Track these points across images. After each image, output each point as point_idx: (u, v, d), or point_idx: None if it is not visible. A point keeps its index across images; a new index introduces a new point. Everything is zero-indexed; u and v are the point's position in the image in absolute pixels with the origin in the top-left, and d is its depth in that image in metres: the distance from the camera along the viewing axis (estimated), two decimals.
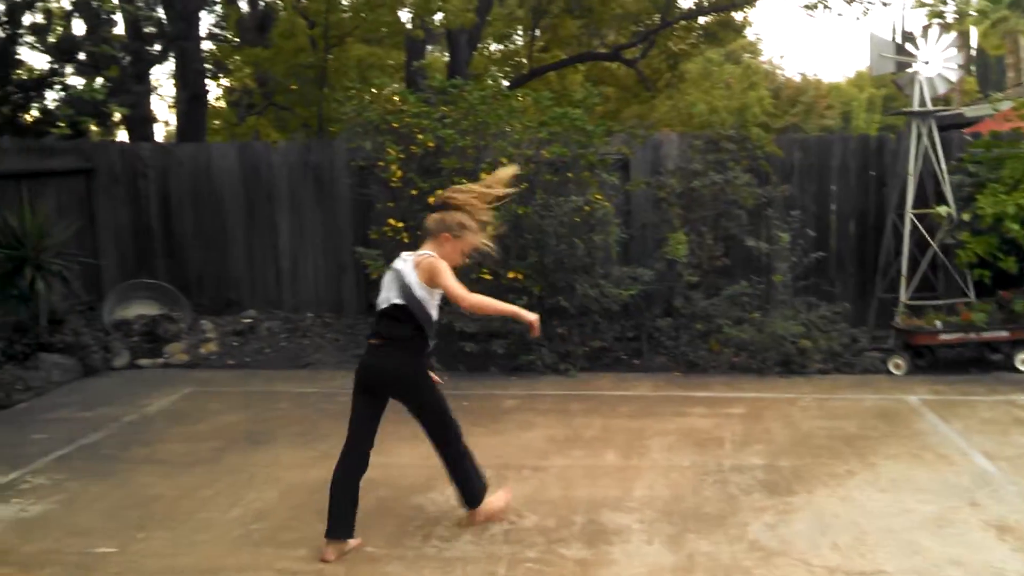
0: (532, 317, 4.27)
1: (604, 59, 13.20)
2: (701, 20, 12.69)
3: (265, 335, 9.14)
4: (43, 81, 10.77)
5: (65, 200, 9.66)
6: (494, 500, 4.52)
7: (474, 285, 7.65)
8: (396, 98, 8.20)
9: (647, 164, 8.92)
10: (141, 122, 11.74)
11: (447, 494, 4.92)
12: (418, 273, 4.22)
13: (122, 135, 13.26)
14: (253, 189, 9.91)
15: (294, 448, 5.80)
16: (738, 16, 12.89)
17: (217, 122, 15.30)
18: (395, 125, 7.98)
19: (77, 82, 10.63)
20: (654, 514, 4.60)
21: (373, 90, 8.26)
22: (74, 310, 8.64)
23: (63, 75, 10.89)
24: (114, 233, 10.07)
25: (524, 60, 14.19)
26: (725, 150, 8.19)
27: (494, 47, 15.22)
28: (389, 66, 12.92)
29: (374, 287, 9.39)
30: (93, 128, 11.18)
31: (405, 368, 4.33)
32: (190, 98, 12.17)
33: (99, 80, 9.30)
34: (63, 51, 10.97)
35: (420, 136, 7.86)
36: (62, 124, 10.09)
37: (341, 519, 4.20)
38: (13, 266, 7.87)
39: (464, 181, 7.67)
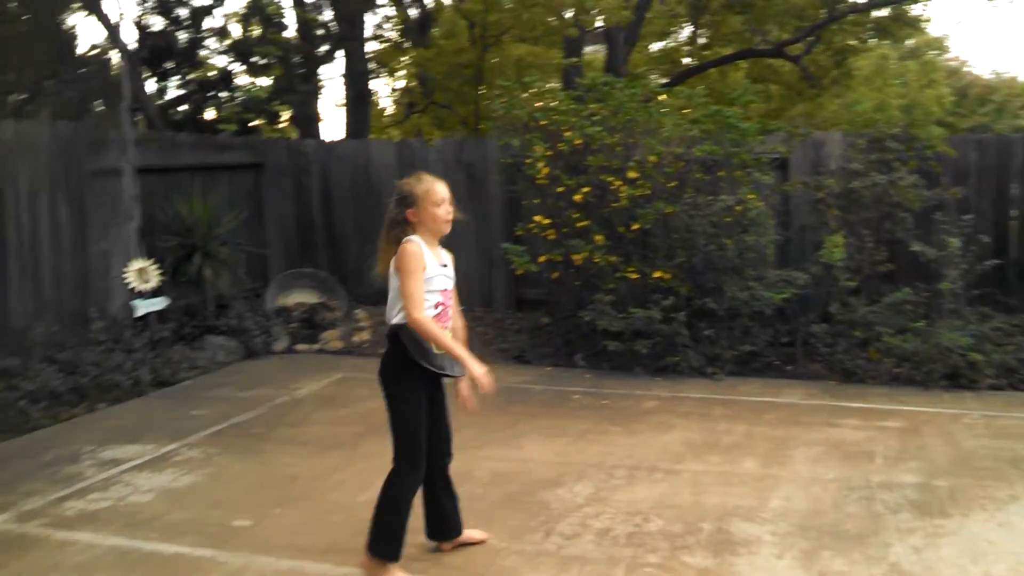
0: (479, 371, 3.72)
1: (766, 56, 12.75)
2: (871, 14, 12.04)
3: None
4: (219, 81, 11.40)
5: (235, 192, 10.19)
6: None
7: (618, 283, 7.60)
8: (546, 96, 8.20)
9: (807, 163, 8.55)
10: (308, 120, 12.25)
11: (574, 491, 4.87)
12: (395, 260, 3.78)
13: (297, 131, 13.86)
14: None
15: None
16: (915, 9, 12.17)
17: (386, 119, 15.78)
18: (543, 123, 7.97)
19: (249, 82, 11.19)
20: (788, 527, 4.37)
21: (524, 88, 8.24)
22: (240, 296, 9.09)
23: (236, 76, 11.49)
24: (279, 224, 10.55)
25: (684, 58, 13.94)
26: (890, 150, 7.73)
27: (655, 45, 15.00)
28: (549, 65, 12.94)
29: (523, 283, 9.51)
30: (263, 125, 11.74)
31: (383, 364, 3.94)
32: (355, 97, 12.60)
33: (264, 81, 9.74)
34: (239, 53, 11.59)
35: (567, 134, 7.82)
36: (232, 122, 10.65)
37: (387, 536, 3.88)
38: (184, 253, 8.36)
39: (611, 179, 7.65)
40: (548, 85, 8.57)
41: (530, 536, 4.30)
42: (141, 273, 7.69)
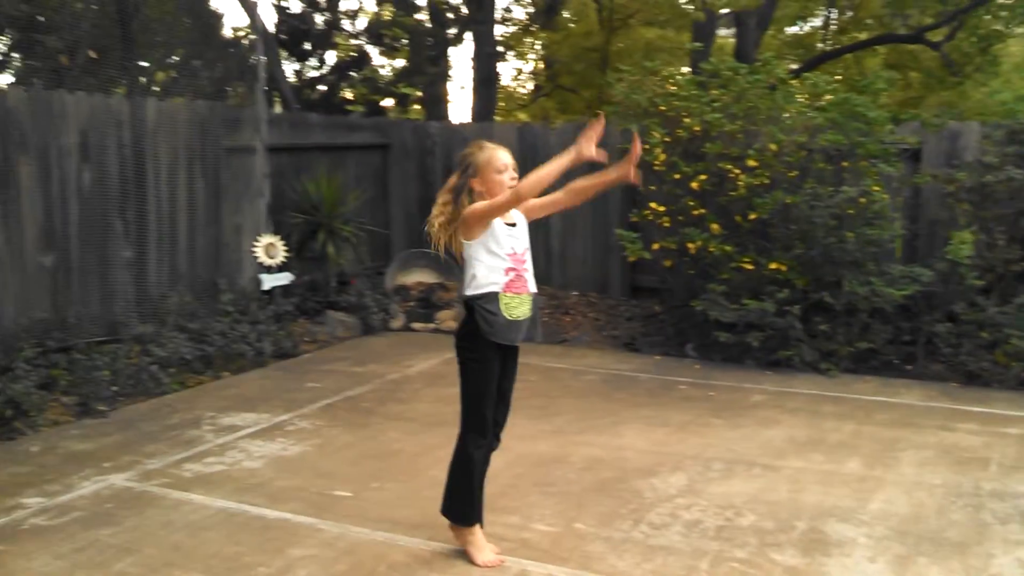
0: (590, 152, 3.65)
1: (905, 41, 12.17)
2: None
3: None
4: (353, 63, 11.73)
5: (362, 172, 10.50)
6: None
7: (733, 273, 7.47)
8: (667, 81, 8.11)
9: (941, 155, 8.16)
10: (435, 102, 12.48)
11: (669, 482, 4.87)
12: (462, 226, 3.77)
13: (425, 113, 14.12)
14: (530, 169, 10.16)
15: (531, 420, 5.95)
16: None
17: (512, 102, 15.88)
18: (662, 108, 7.90)
19: (379, 63, 11.47)
20: (886, 531, 4.25)
21: (644, 73, 8.18)
22: (362, 273, 9.40)
23: (369, 58, 11.80)
24: (403, 204, 10.82)
25: (818, 43, 13.47)
26: None
27: (790, 29, 14.54)
28: (679, 49, 12.74)
29: (639, 270, 9.46)
30: (391, 107, 12.03)
31: (458, 334, 3.89)
32: (482, 79, 12.75)
33: (388, 63, 9.96)
34: (372, 35, 11.90)
35: (687, 120, 7.73)
36: (359, 103, 10.96)
37: (462, 503, 3.97)
38: (310, 230, 8.70)
39: (729, 167, 7.52)
40: (668, 70, 8.41)
41: (619, 523, 4.33)
42: (269, 248, 8.05)
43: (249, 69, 8.80)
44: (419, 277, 9.70)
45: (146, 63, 8.87)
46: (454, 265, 9.60)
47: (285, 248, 8.11)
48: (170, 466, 5.06)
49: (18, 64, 8.56)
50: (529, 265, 3.88)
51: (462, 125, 10.77)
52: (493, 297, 3.72)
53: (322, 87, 12.15)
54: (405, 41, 11.63)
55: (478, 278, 3.74)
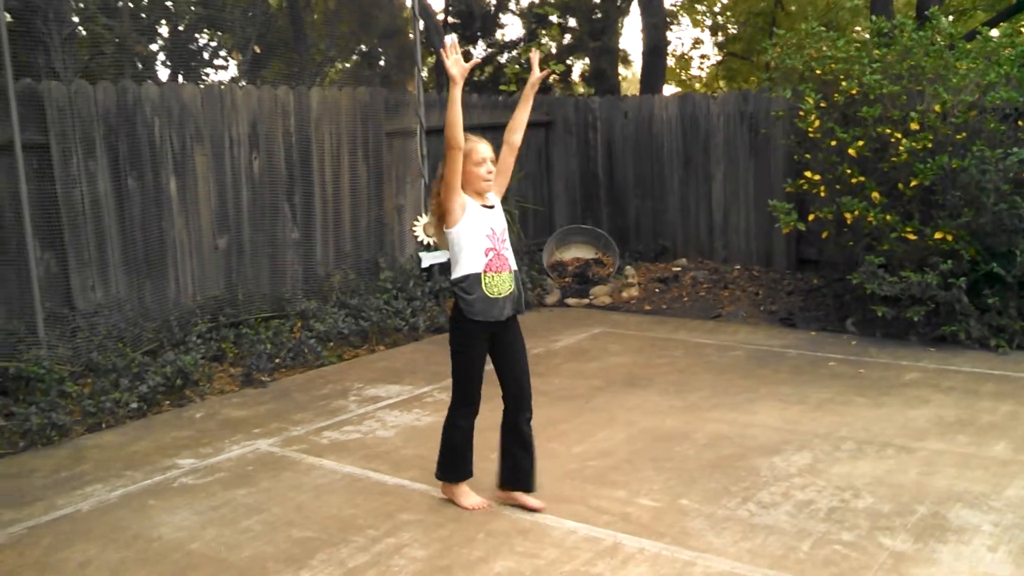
0: (460, 67, 3.90)
1: None
2: None
3: (688, 284, 9.31)
4: (518, 43, 11.90)
5: (524, 150, 10.62)
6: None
7: (895, 244, 7.07)
8: (825, 43, 7.74)
9: None
10: (601, 76, 12.45)
11: (791, 460, 4.73)
12: (445, 220, 4.03)
13: (592, 87, 14.12)
14: (691, 140, 10.05)
15: (663, 395, 5.93)
16: None
17: (680, 71, 15.55)
18: (818, 72, 7.55)
19: (538, 40, 11.55)
20: (1016, 519, 3.96)
21: (801, 36, 7.84)
22: (521, 250, 9.57)
23: (535, 37, 11.91)
24: (565, 180, 10.93)
25: None
26: None
27: None
28: (855, 8, 12.05)
29: (806, 241, 9.10)
30: (556, 83, 12.11)
31: (452, 316, 4.16)
32: (650, 51, 12.59)
33: (550, 40, 10.01)
34: (536, 15, 12.02)
35: (844, 83, 7.35)
36: (512, 83, 11.10)
37: (450, 463, 4.29)
38: None
39: (889, 131, 7.10)
40: (825, 32, 8.00)
41: (726, 501, 4.26)
42: (428, 227, 8.36)
43: (408, 55, 9.14)
44: (576, 253, 9.78)
45: (313, 56, 9.38)
46: (609, 241, 9.64)
47: None
48: (311, 433, 5.42)
49: (200, 61, 9.27)
50: (508, 243, 4.10)
51: (621, 98, 10.70)
52: (476, 278, 3.97)
53: (488, 68, 12.41)
54: (570, 16, 11.65)
55: (461, 262, 4.00)
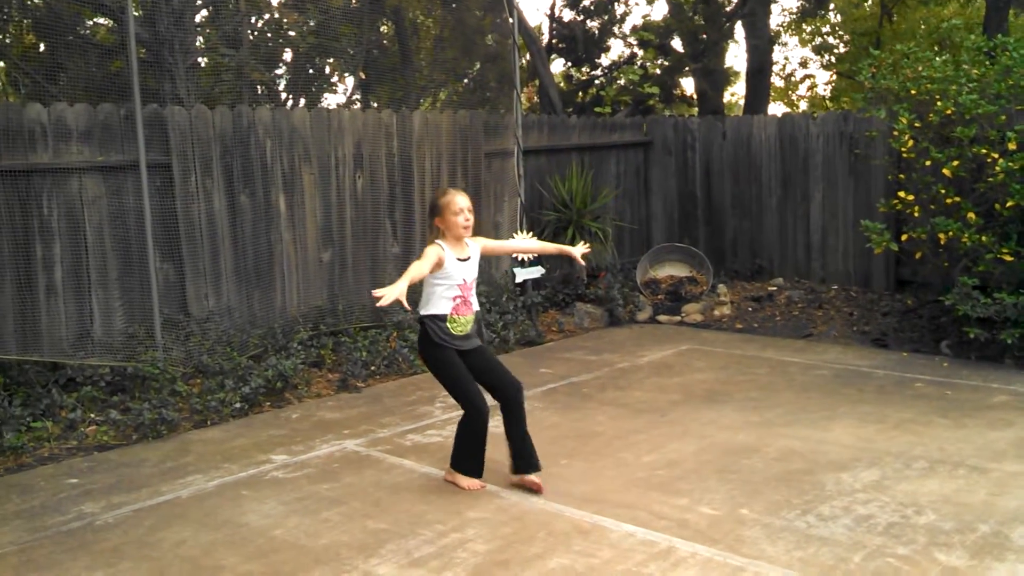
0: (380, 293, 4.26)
1: None
2: None
3: (782, 304, 9.29)
4: (621, 64, 12.09)
5: (622, 170, 10.87)
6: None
7: (991, 265, 6.94)
8: (921, 62, 7.67)
9: None
10: (701, 97, 12.50)
11: (858, 477, 4.77)
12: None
13: (695, 108, 14.17)
14: (789, 160, 10.03)
15: (740, 411, 6.00)
16: None
17: (781, 91, 15.39)
18: (913, 92, 7.49)
19: (639, 63, 11.72)
20: None
21: (897, 56, 7.79)
22: (612, 267, 9.75)
23: (637, 59, 12.09)
24: (663, 199, 11.05)
25: None
26: None
27: None
28: (975, 23, 11.74)
29: (904, 262, 8.96)
30: (655, 104, 12.23)
31: (420, 345, 4.77)
32: (754, 71, 12.59)
33: (653, 62, 10.18)
34: (639, 37, 12.20)
35: (939, 103, 7.28)
36: (606, 105, 11.28)
37: (460, 457, 4.82)
38: (561, 226, 9.19)
39: (985, 151, 6.99)
40: (920, 52, 7.91)
41: (785, 512, 4.34)
42: None
43: (508, 79, 9.46)
44: (670, 271, 9.88)
45: (417, 80, 9.80)
46: (704, 259, 9.71)
47: None
48: (396, 435, 5.73)
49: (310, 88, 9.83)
50: (474, 290, 4.76)
51: (720, 118, 10.75)
52: (443, 318, 4.62)
53: (591, 89, 12.64)
54: (671, 38, 11.78)
55: (431, 303, 4.63)
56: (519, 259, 8.49)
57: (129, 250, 6.80)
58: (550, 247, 5.39)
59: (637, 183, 11.05)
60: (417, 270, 4.42)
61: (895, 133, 7.57)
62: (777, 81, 15.28)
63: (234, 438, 5.81)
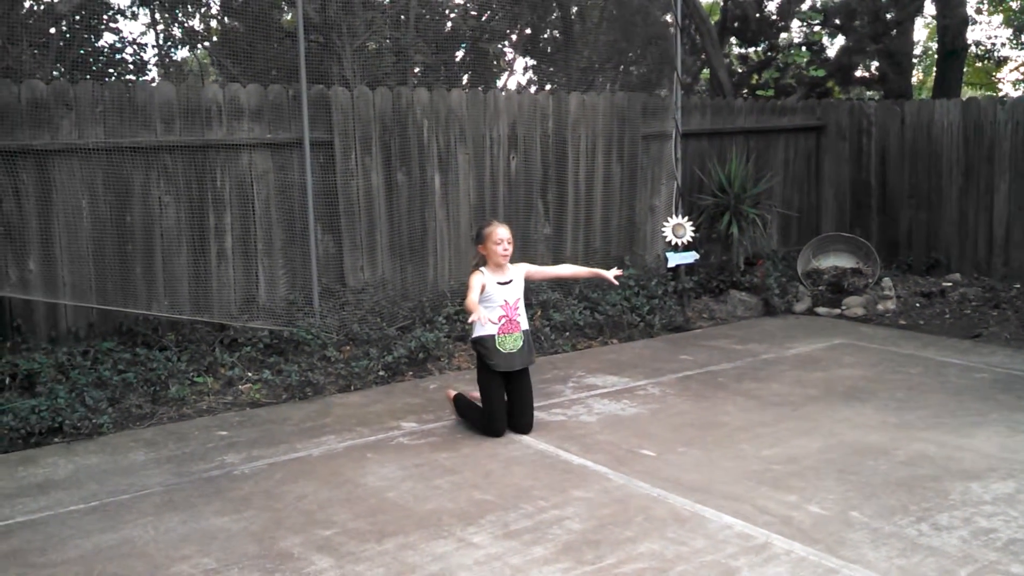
0: (472, 306, 5.12)
1: None
2: None
3: (954, 301, 8.75)
4: (798, 46, 11.65)
5: (791, 155, 10.52)
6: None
7: None
8: None
9: None
10: (882, 79, 11.83)
11: (989, 488, 4.51)
12: None
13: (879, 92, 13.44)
14: (973, 148, 9.40)
15: (879, 411, 5.75)
16: None
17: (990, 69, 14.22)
18: None
19: (803, 46, 11.24)
20: None
21: None
22: (772, 255, 9.48)
23: (816, 39, 11.61)
24: (835, 187, 10.61)
25: None
26: None
27: None
28: None
29: None
30: (833, 86, 11.73)
31: (476, 363, 5.50)
32: (946, 52, 11.81)
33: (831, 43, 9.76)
34: (827, 16, 11.73)
35: None
36: (769, 88, 10.90)
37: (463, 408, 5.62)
38: (718, 212, 9.02)
39: None
40: None
41: (898, 518, 4.16)
42: (676, 228, 8.55)
43: (669, 61, 9.35)
44: (835, 261, 9.49)
45: (578, 63, 9.85)
46: (871, 251, 9.28)
47: (692, 229, 8.52)
48: None
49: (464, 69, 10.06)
50: (521, 309, 5.40)
51: (898, 103, 10.17)
52: (491, 339, 5.27)
53: (766, 72, 12.26)
54: (857, 18, 11.24)
55: (478, 324, 5.19)
56: (673, 243, 8.46)
57: (293, 222, 7.26)
58: (583, 271, 5.98)
59: (807, 169, 10.66)
60: (472, 298, 5.13)
61: None
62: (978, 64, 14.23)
63: (372, 403, 6.13)
